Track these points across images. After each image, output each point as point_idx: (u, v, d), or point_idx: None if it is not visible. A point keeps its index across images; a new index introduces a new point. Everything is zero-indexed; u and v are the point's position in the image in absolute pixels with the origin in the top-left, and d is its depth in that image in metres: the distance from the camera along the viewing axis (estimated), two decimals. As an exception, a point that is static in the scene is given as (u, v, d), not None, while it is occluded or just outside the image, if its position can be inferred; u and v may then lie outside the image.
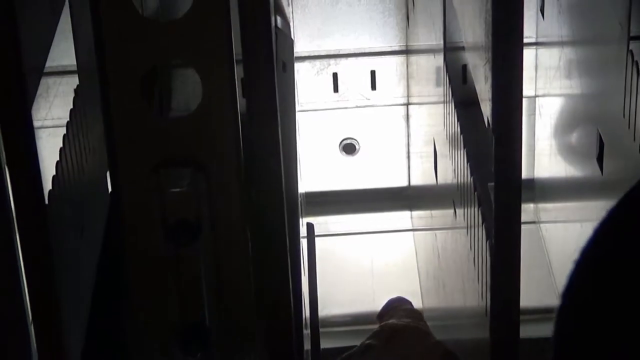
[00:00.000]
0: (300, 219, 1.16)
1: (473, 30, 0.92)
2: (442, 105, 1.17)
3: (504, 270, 0.86)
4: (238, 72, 0.78)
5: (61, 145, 0.85)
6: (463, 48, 1.03)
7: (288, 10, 1.38)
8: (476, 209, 0.95)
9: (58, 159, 0.84)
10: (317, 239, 1.30)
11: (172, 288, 0.83)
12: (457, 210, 1.08)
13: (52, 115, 0.89)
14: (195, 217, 0.81)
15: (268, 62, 0.77)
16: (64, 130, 0.88)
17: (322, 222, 1.50)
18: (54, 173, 0.82)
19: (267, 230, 0.82)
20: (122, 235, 0.82)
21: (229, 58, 0.78)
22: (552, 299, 1.35)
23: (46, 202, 0.76)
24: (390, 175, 1.51)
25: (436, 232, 1.28)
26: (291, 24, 1.39)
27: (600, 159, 1.09)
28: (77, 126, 0.91)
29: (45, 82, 0.87)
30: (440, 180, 1.21)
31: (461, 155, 1.03)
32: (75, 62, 0.93)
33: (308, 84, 1.45)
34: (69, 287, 0.83)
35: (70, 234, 0.86)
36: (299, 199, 1.14)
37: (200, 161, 0.80)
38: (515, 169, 0.83)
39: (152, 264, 0.82)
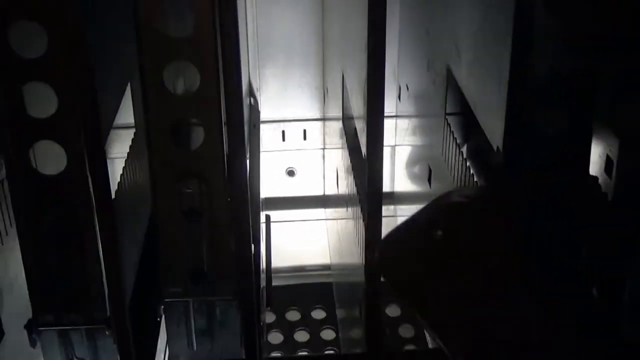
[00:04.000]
0: (261, 213, 1.15)
1: (357, 105, 0.92)
2: (341, 150, 1.17)
3: (371, 239, 0.85)
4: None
5: (123, 166, 0.85)
6: (352, 117, 1.03)
7: (258, 94, 1.37)
8: (358, 207, 0.96)
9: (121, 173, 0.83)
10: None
11: (186, 247, 0.82)
12: (348, 207, 1.09)
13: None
14: (200, 207, 0.80)
15: (240, 124, 0.77)
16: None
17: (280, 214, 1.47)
18: (119, 180, 0.82)
19: (238, 218, 0.80)
20: (157, 217, 0.82)
21: (220, 120, 0.77)
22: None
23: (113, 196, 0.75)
24: (314, 188, 1.49)
25: (337, 220, 1.27)
26: (259, 100, 1.38)
27: (429, 180, 1.09)
28: (133, 156, 0.90)
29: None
30: (340, 191, 1.21)
31: (351, 178, 1.04)
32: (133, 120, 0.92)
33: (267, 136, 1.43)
34: (129, 249, 0.82)
35: (129, 217, 0.85)
36: (260, 202, 1.13)
37: (204, 176, 0.79)
38: (378, 184, 0.83)
39: (174, 233, 0.81)
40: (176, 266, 0.82)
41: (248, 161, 0.81)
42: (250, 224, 0.81)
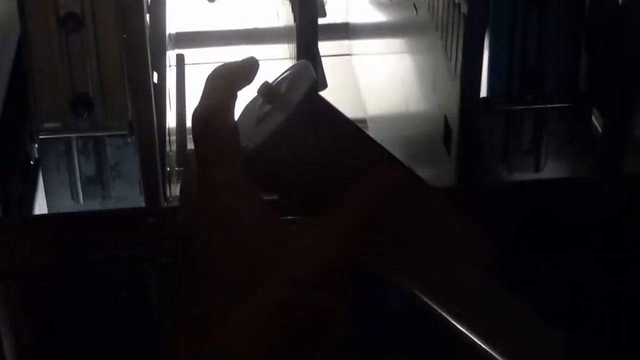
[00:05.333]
0: (169, 51, 1.09)
1: None
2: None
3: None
4: None
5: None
6: None
7: None
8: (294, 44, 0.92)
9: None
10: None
11: (64, 66, 0.80)
12: (289, 44, 1.02)
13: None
14: (81, 12, 0.78)
15: None
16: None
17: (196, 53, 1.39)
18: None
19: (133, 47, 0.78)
20: (25, 28, 0.79)
21: None
22: (362, 113, 1.32)
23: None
24: (242, 19, 1.42)
25: (271, 60, 1.16)
26: None
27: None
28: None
29: None
30: (276, 23, 1.18)
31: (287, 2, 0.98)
32: None
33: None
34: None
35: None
36: (168, 36, 1.08)
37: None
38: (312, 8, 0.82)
39: (48, 48, 0.79)
40: (52, 92, 0.81)
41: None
42: (150, 57, 0.78)
